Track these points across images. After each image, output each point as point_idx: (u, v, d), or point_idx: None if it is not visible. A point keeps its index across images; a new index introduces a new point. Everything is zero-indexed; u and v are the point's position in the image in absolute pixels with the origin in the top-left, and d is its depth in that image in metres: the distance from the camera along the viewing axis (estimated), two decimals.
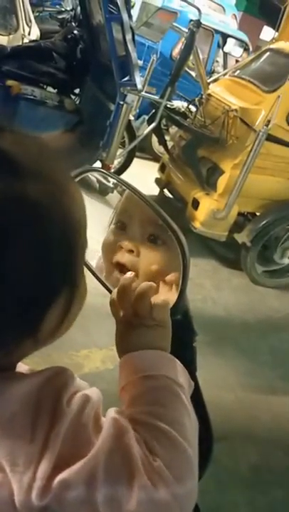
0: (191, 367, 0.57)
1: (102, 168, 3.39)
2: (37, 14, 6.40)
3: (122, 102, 3.52)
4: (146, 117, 4.51)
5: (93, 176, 3.92)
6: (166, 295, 0.59)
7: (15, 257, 0.41)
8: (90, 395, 0.47)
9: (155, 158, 5.20)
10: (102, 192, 3.69)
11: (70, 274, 0.47)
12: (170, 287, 0.60)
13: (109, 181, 3.56)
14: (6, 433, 0.42)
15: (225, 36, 6.17)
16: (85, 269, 0.57)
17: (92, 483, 0.42)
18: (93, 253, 0.66)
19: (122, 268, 0.63)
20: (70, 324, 0.51)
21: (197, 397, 0.57)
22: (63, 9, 6.42)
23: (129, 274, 0.59)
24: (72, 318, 0.51)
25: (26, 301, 0.43)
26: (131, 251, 0.63)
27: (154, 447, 0.45)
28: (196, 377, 0.60)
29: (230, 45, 5.51)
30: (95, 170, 0.70)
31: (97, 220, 0.72)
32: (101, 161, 3.80)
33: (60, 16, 5.74)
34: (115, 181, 0.66)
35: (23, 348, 0.46)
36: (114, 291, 0.57)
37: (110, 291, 0.59)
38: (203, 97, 3.80)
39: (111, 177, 0.72)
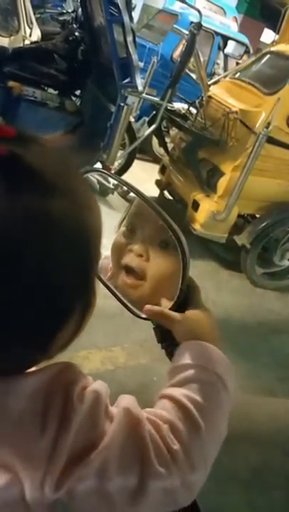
0: None
1: (117, 175, 3.38)
2: (38, 16, 6.42)
3: (122, 104, 3.53)
4: (147, 119, 4.52)
5: (93, 177, 3.94)
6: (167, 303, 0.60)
7: (32, 274, 0.40)
8: (99, 389, 0.47)
9: (155, 159, 5.20)
10: (102, 193, 3.70)
11: (86, 292, 0.47)
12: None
13: (109, 182, 3.56)
14: (16, 431, 0.43)
15: (225, 38, 6.19)
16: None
17: (105, 474, 0.43)
18: None
19: (130, 271, 0.63)
20: (78, 335, 0.51)
21: None
22: (65, 11, 6.44)
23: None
24: (82, 329, 0.51)
25: (37, 320, 0.42)
26: (141, 255, 0.63)
27: (180, 432, 0.47)
28: None
29: (231, 48, 5.53)
30: (97, 170, 0.70)
31: None
32: (101, 162, 3.80)
33: (61, 18, 5.75)
34: (115, 182, 0.66)
35: (34, 361, 0.47)
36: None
37: (138, 316, 0.61)
38: (204, 99, 3.81)
39: (112, 177, 0.72)
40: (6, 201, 0.38)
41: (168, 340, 0.60)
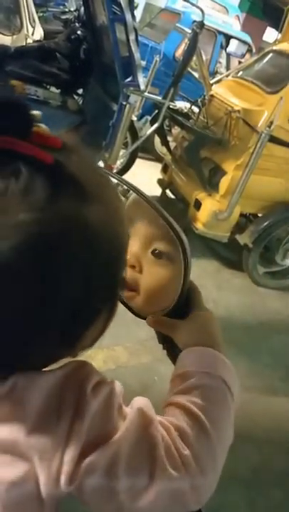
0: None
1: (104, 168, 3.38)
2: (41, 14, 6.42)
3: (124, 103, 3.52)
4: (149, 118, 4.52)
5: None
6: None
7: (66, 275, 0.42)
8: (114, 387, 0.49)
9: (158, 158, 5.20)
10: None
11: (113, 295, 0.49)
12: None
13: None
14: (35, 425, 0.44)
15: (228, 37, 6.17)
16: None
17: (113, 470, 0.43)
18: None
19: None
20: (100, 336, 0.53)
21: None
22: (67, 10, 6.43)
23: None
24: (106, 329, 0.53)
25: (72, 319, 0.44)
26: (133, 266, 0.62)
27: (189, 437, 0.47)
28: None
29: (233, 46, 5.52)
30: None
31: None
32: (103, 161, 3.80)
33: (63, 17, 5.74)
34: (117, 182, 0.65)
35: (59, 358, 0.49)
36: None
37: (142, 318, 0.61)
38: (206, 98, 3.81)
39: (112, 176, 0.71)
40: (49, 206, 0.40)
41: (169, 341, 0.60)
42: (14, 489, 0.43)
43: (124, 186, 0.63)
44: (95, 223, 0.43)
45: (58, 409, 0.44)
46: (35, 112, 0.43)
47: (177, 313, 0.59)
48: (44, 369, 0.49)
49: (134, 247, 0.62)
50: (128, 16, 3.22)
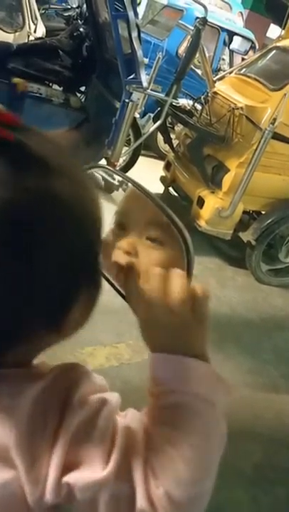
0: None
1: (119, 170, 3.38)
2: (43, 12, 6.42)
3: (127, 100, 3.52)
4: (152, 115, 4.51)
5: (98, 174, 3.93)
6: None
7: (42, 250, 0.42)
8: (109, 398, 0.46)
9: (160, 156, 5.20)
10: (107, 189, 3.68)
11: (92, 270, 0.49)
12: None
13: (114, 179, 3.55)
14: (23, 432, 0.43)
15: (231, 34, 6.15)
16: None
17: (96, 500, 0.42)
18: None
19: (121, 269, 0.62)
20: (86, 320, 0.52)
21: None
22: (69, 7, 6.42)
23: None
24: (89, 314, 0.52)
25: (53, 293, 0.44)
26: (128, 252, 0.61)
27: (159, 474, 0.43)
28: None
29: (237, 43, 5.50)
30: (99, 166, 0.69)
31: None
32: (106, 158, 3.80)
33: (66, 14, 5.73)
34: (120, 179, 0.65)
35: (45, 341, 0.48)
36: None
37: (123, 297, 0.57)
38: (209, 95, 3.80)
39: (114, 173, 0.71)
40: (14, 183, 0.40)
41: None
42: (2, 491, 0.42)
43: (129, 183, 0.63)
44: (64, 196, 0.43)
45: (44, 418, 0.43)
46: None
47: None
48: (30, 365, 0.48)
49: (130, 236, 0.61)
50: (130, 13, 3.21)
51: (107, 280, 0.61)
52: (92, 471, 0.42)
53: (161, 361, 0.49)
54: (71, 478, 0.42)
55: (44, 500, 0.42)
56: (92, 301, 0.50)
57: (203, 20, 3.57)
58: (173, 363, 0.48)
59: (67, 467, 0.42)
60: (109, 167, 0.66)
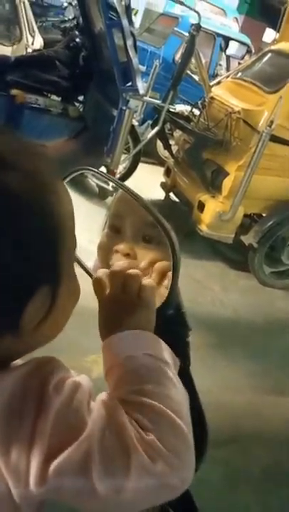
0: (184, 361, 0.56)
1: (107, 173, 3.39)
2: (40, 24, 6.48)
3: (124, 108, 3.54)
4: (151, 122, 4.53)
5: (92, 181, 3.95)
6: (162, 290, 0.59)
7: None
8: (80, 381, 0.47)
9: (160, 162, 5.21)
10: (101, 196, 3.71)
11: (51, 270, 0.47)
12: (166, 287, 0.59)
13: (108, 184, 3.57)
14: (1, 428, 0.43)
15: (227, 39, 6.19)
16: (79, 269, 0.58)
17: (88, 466, 0.42)
18: (94, 256, 0.67)
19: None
20: (60, 325, 0.51)
21: (192, 393, 0.57)
22: (66, 19, 6.48)
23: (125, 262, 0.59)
24: (62, 319, 0.51)
25: (3, 290, 0.43)
26: (127, 254, 0.62)
27: (145, 423, 0.45)
28: (190, 372, 0.59)
29: (233, 48, 5.53)
30: (85, 170, 0.70)
31: (98, 224, 0.72)
32: (106, 166, 3.82)
33: (63, 26, 5.79)
34: (114, 185, 0.66)
35: (4, 343, 0.46)
36: (102, 271, 0.56)
37: (91, 276, 0.59)
38: (206, 100, 3.82)
39: (103, 176, 0.71)
40: None
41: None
42: None
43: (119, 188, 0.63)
44: (17, 189, 0.42)
45: (20, 409, 0.43)
46: None
47: (164, 310, 0.58)
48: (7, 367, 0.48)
49: (126, 238, 0.63)
50: (125, 22, 3.25)
51: (78, 263, 0.62)
52: (78, 444, 0.42)
53: (116, 340, 0.53)
54: (57, 464, 0.41)
55: (30, 493, 0.41)
56: (54, 303, 0.48)
57: (197, 27, 3.60)
58: (125, 337, 0.52)
59: (51, 455, 0.41)
60: (91, 168, 0.67)
